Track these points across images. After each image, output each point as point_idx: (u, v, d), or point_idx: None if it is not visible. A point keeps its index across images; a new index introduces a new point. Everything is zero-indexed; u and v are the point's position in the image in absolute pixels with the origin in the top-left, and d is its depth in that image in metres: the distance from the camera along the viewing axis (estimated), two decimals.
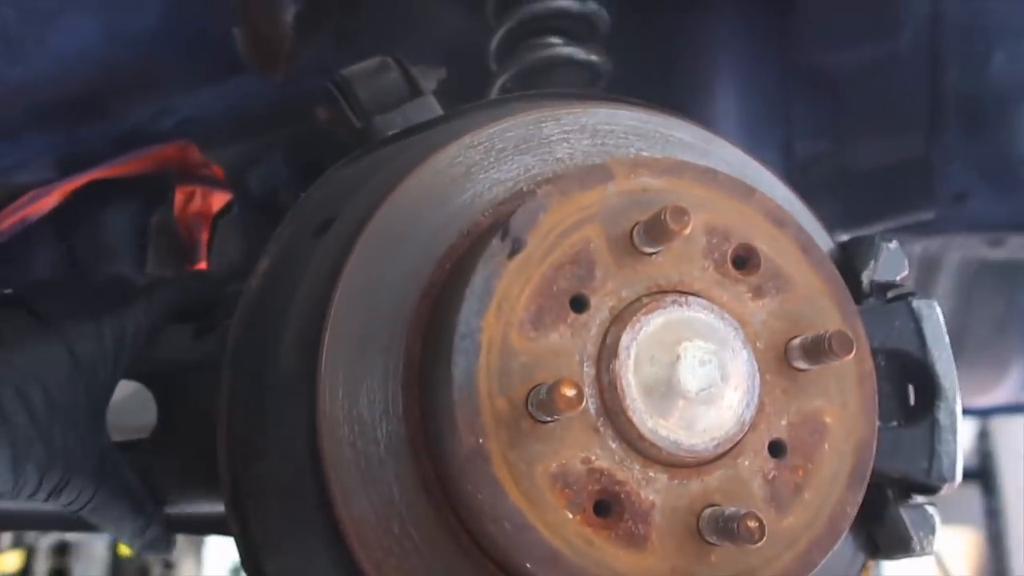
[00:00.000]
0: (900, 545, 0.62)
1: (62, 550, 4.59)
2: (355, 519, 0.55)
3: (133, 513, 0.73)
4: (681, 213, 0.54)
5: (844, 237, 0.72)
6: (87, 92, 0.99)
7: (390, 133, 0.76)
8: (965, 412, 0.62)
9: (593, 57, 1.02)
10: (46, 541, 4.55)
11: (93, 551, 4.82)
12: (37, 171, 0.98)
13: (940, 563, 4.59)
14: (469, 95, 0.95)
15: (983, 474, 4.61)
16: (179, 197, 1.01)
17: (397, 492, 0.56)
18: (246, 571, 0.62)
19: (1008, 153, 1.09)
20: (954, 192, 1.09)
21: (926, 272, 1.59)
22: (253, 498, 0.62)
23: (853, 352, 0.55)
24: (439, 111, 0.81)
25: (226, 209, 1.04)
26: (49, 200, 0.96)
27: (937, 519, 0.63)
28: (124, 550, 4.86)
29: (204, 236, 1.02)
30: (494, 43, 1.07)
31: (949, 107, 1.12)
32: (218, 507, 0.74)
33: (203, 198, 1.01)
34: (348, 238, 0.62)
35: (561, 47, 1.02)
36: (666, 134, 0.68)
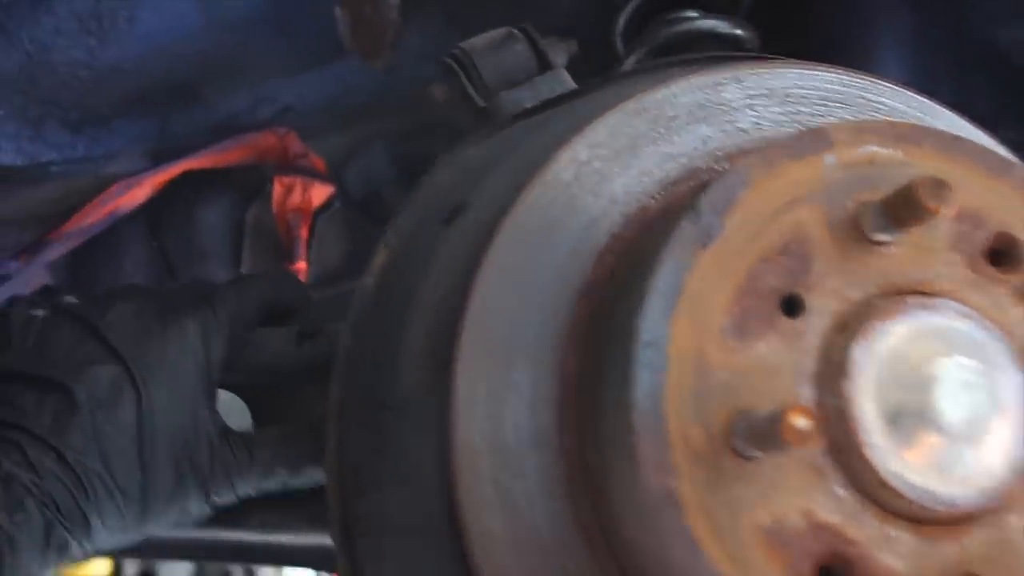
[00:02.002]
0: None
1: None
2: (499, 574, 0.44)
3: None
4: (940, 187, 0.41)
5: None
6: (181, 77, 0.91)
7: (526, 107, 0.65)
8: None
9: (738, 31, 0.90)
10: None
11: None
12: (128, 162, 0.91)
13: None
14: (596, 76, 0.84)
15: None
16: (278, 189, 0.92)
17: (551, 542, 0.44)
18: None
19: None
20: None
21: None
22: (368, 537, 0.51)
23: None
24: (574, 86, 0.70)
25: (328, 204, 0.95)
26: (140, 191, 0.89)
27: None
28: None
29: (304, 233, 0.93)
30: (621, 20, 0.96)
31: None
32: (324, 539, 0.64)
33: (303, 191, 0.92)
34: (485, 227, 0.51)
35: (701, 20, 0.89)
36: (873, 101, 0.55)
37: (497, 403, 0.47)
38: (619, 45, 0.98)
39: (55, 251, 0.89)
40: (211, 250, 0.98)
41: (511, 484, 0.45)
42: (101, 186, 0.89)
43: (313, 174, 0.94)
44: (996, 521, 0.42)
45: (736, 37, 0.89)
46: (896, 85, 0.56)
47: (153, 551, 0.76)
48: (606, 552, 0.44)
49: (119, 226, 0.91)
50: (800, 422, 0.37)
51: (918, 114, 0.55)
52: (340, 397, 0.55)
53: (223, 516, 0.65)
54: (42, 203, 0.88)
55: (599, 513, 0.44)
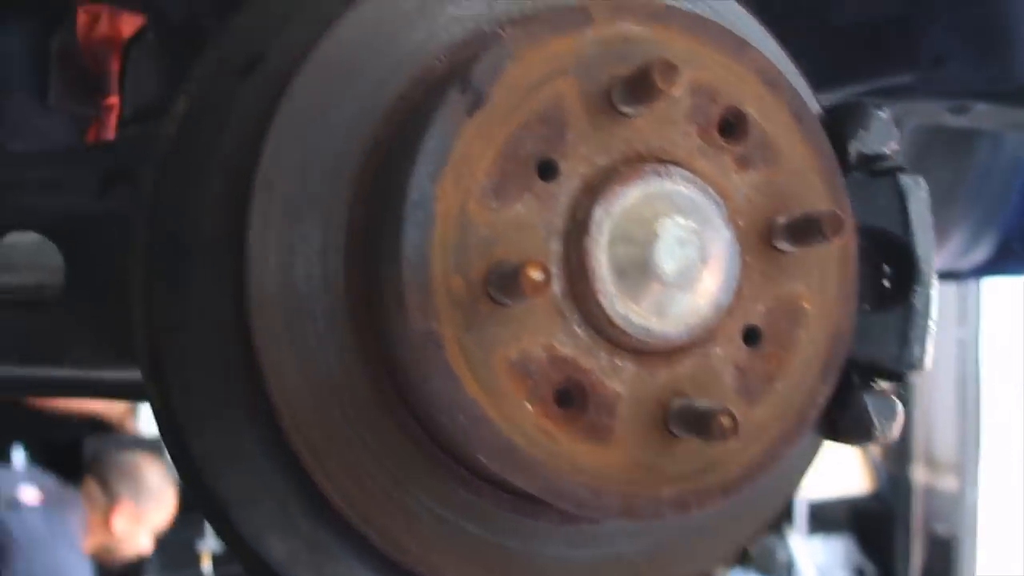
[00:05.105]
0: (860, 431, 0.60)
1: None
2: (291, 403, 0.50)
3: None
4: (671, 70, 0.46)
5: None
6: None
7: None
8: None
9: None
10: None
11: None
12: None
13: None
14: None
15: None
16: (82, 19, 0.88)
17: (338, 375, 0.50)
18: (169, 450, 0.57)
19: (993, 15, 1.03)
20: (932, 55, 1.02)
21: None
22: (175, 372, 0.56)
23: (845, 236, 0.50)
24: None
25: (140, 35, 0.91)
26: None
27: (899, 406, 0.61)
28: None
29: (115, 66, 0.90)
30: None
31: None
32: (136, 374, 0.68)
33: (111, 20, 0.88)
34: (280, 81, 0.53)
35: None
36: None
37: (289, 252, 0.51)
38: None
39: None
40: (15, 80, 0.93)
41: (302, 326, 0.51)
42: None
43: (121, 2, 0.90)
44: (702, 351, 0.51)
45: None
46: None
47: None
48: (387, 384, 0.51)
49: None
50: (536, 275, 0.43)
51: None
52: (147, 242, 0.58)
53: (40, 355, 0.68)
54: None
55: (380, 351, 0.50)
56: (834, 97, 0.97)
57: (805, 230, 0.51)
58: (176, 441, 0.56)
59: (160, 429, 0.57)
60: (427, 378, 0.46)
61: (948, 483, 4.85)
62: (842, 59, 1.03)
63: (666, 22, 0.52)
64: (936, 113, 1.35)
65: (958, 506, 4.72)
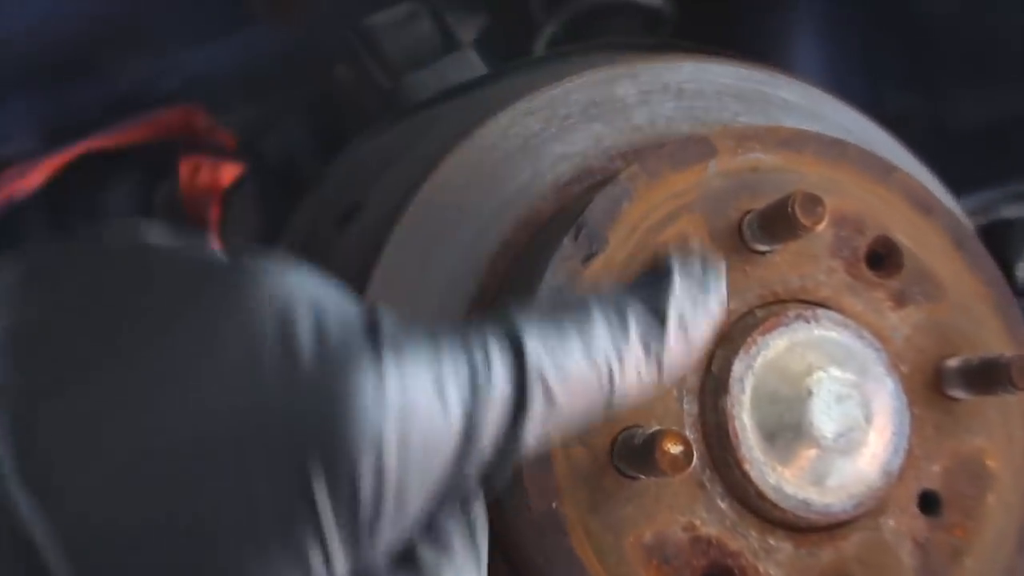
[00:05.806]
0: None
1: None
2: None
3: None
4: (814, 203, 0.41)
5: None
6: (72, 48, 0.86)
7: (425, 97, 0.63)
8: None
9: (657, 1, 0.88)
10: None
11: None
12: (21, 142, 0.87)
13: None
14: (510, 49, 0.82)
15: None
16: (184, 169, 0.89)
17: None
18: None
19: None
20: None
21: None
22: None
23: None
24: (481, 68, 0.68)
25: (238, 183, 0.92)
26: (37, 175, 0.85)
27: None
28: None
29: (214, 215, 0.90)
30: None
31: None
32: None
33: (211, 170, 0.89)
34: (377, 231, 0.50)
35: None
36: (768, 94, 0.55)
37: None
38: (537, 12, 0.96)
39: None
40: None
41: None
42: None
43: (221, 151, 0.91)
44: (870, 524, 0.43)
45: (655, 7, 0.88)
46: (788, 76, 0.56)
47: None
48: (501, 569, 0.44)
49: (19, 214, 0.87)
50: (674, 448, 0.37)
51: (812, 106, 0.55)
52: None
53: None
54: None
55: (492, 531, 0.44)
56: (965, 205, 0.90)
57: (986, 376, 0.43)
58: None
59: None
60: (549, 567, 0.40)
61: None
62: (965, 164, 0.95)
63: (798, 148, 0.46)
64: None
65: None
